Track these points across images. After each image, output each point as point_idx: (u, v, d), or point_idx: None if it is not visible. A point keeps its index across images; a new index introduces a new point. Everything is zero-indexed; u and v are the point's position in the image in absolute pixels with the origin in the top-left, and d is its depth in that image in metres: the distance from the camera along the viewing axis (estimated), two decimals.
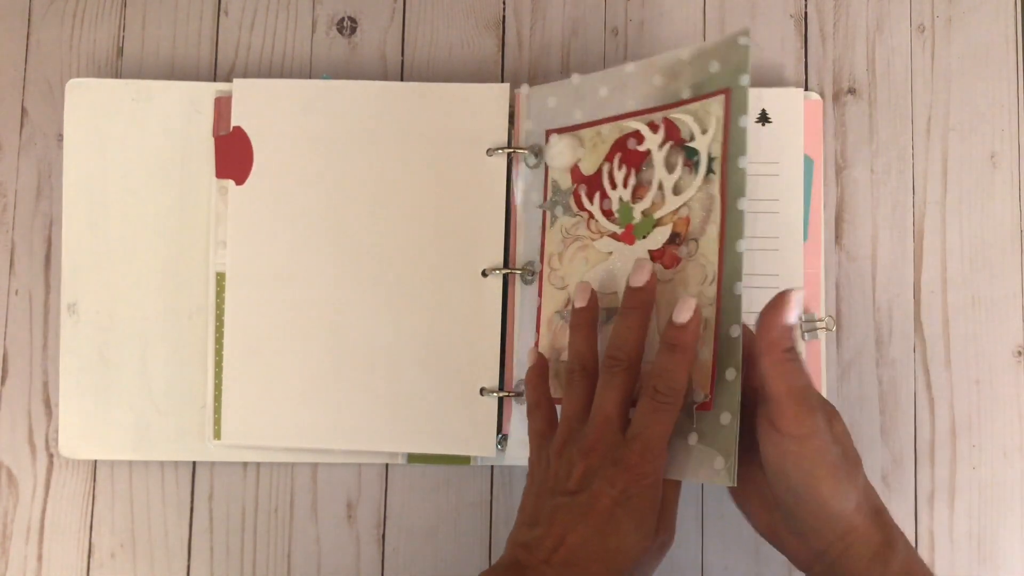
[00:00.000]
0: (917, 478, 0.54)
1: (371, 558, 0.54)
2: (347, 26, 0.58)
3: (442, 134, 0.54)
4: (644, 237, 0.47)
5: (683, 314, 0.42)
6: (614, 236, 0.48)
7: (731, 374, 0.42)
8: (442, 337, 0.53)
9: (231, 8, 0.58)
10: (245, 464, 0.55)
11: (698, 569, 0.54)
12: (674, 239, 0.46)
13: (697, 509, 0.54)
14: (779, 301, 0.41)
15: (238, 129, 0.54)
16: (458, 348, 0.52)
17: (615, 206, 0.48)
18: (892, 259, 0.55)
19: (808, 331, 0.52)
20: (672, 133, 0.47)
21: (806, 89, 0.56)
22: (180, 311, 0.54)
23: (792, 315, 0.41)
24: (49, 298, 0.56)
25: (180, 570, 0.54)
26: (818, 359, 0.53)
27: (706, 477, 0.42)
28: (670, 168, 0.46)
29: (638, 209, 0.47)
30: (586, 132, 0.50)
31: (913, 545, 0.53)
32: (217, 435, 0.53)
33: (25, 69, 0.57)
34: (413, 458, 0.54)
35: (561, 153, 0.50)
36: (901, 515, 0.54)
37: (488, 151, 0.53)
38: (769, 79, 0.56)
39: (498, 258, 0.53)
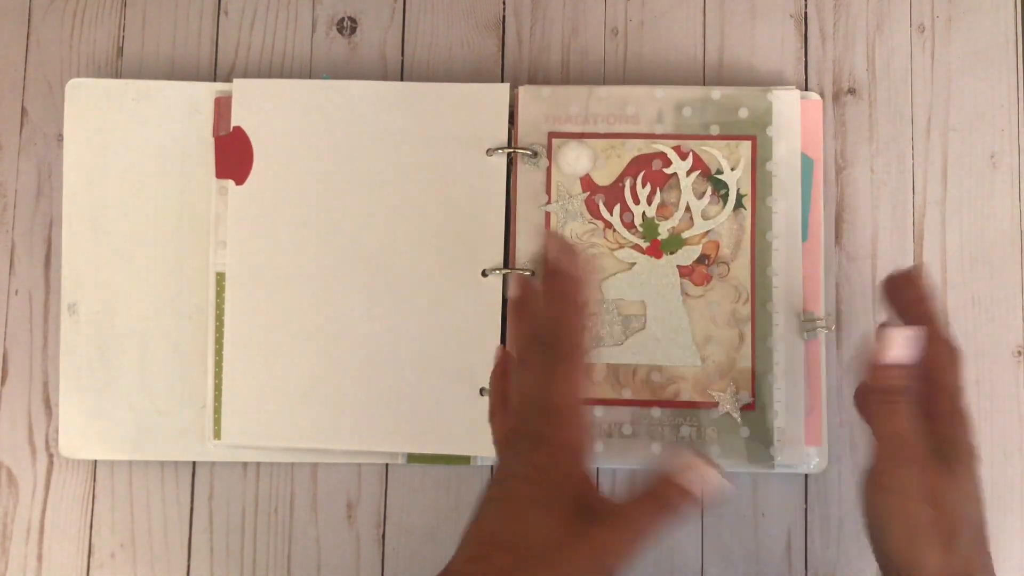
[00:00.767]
0: None
1: (371, 558, 0.54)
2: (347, 26, 0.58)
3: (442, 134, 0.54)
4: (672, 253, 0.52)
5: None
6: (637, 248, 0.52)
7: (769, 379, 0.51)
8: (442, 337, 0.53)
9: (231, 8, 0.58)
10: (245, 464, 0.55)
11: (698, 571, 0.54)
12: (703, 260, 0.52)
13: (697, 522, 0.54)
14: (882, 336, 0.39)
15: (238, 129, 0.54)
16: (458, 348, 0.52)
17: (637, 220, 0.52)
18: (892, 259, 0.55)
19: (808, 331, 0.52)
20: (699, 163, 0.53)
21: (806, 89, 0.56)
22: (180, 311, 0.54)
23: (889, 355, 0.39)
24: (49, 298, 0.56)
25: (180, 570, 0.54)
26: (818, 359, 0.53)
27: (759, 462, 0.51)
28: (698, 195, 0.52)
29: (665, 227, 0.52)
30: (598, 142, 0.52)
31: None
32: (217, 435, 0.53)
33: (25, 69, 0.57)
34: (413, 458, 0.54)
35: (578, 159, 0.52)
36: None
37: (488, 151, 0.53)
38: (769, 79, 0.56)
39: (498, 258, 0.53)
